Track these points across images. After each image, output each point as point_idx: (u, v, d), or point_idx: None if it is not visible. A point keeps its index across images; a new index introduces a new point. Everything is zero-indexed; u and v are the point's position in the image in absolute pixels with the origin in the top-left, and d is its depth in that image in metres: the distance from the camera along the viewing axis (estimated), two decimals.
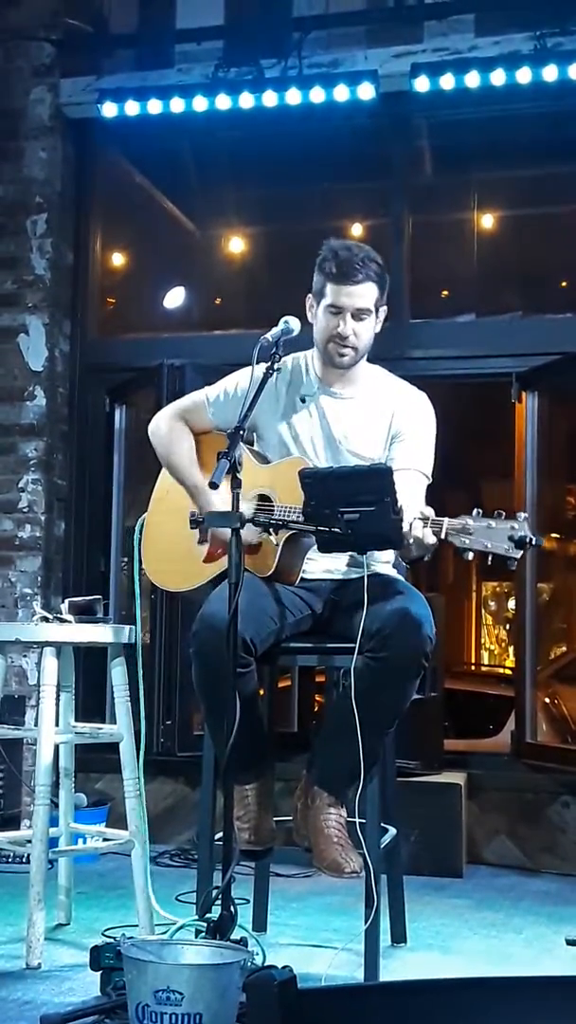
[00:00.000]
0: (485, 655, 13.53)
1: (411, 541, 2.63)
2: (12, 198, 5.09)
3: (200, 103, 4.87)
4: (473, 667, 11.45)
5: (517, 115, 4.81)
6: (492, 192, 5.43)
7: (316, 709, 5.12)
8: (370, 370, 3.15)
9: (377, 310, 3.05)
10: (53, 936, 3.21)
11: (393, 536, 2.65)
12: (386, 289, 3.07)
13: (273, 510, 2.90)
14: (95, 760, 4.38)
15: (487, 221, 5.54)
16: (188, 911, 3.03)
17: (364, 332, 3.03)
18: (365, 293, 3.01)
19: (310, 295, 3.08)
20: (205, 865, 2.87)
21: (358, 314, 3.01)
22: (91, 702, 4.67)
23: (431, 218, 5.45)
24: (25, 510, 4.92)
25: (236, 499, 2.67)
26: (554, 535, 6.72)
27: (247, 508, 2.86)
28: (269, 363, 2.89)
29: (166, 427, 3.17)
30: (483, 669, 11.23)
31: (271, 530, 2.82)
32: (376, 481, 2.63)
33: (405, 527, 2.62)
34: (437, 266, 5.65)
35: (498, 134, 4.96)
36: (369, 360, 3.15)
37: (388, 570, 3.04)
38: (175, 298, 5.94)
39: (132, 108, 4.94)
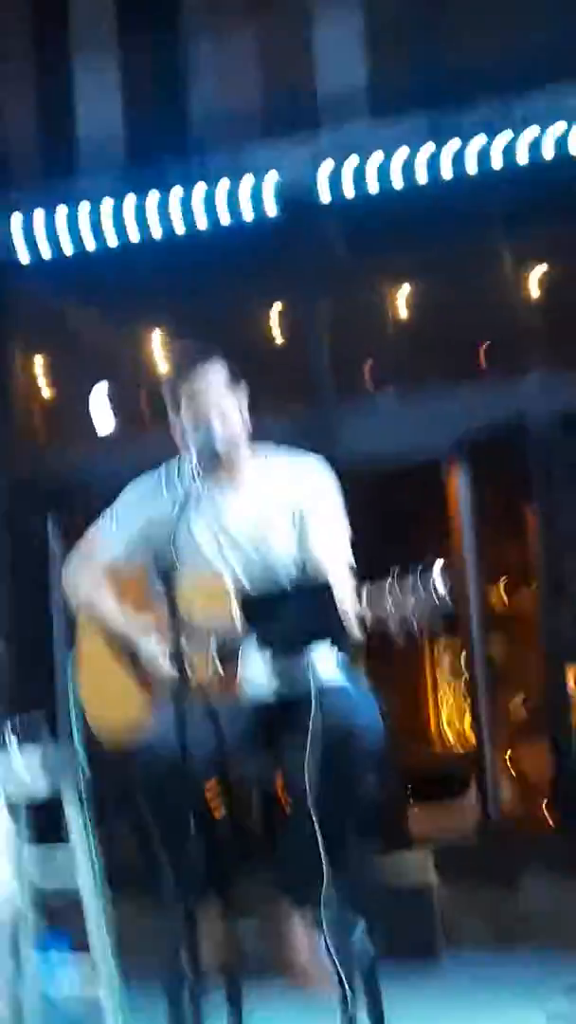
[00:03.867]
0: (443, 724, 13.32)
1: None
2: None
3: (111, 239, 4.96)
4: (430, 739, 11.31)
5: (427, 198, 4.88)
6: (407, 271, 5.46)
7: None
8: (255, 455, 3.03)
9: (234, 390, 2.95)
10: None
11: (338, 636, 2.64)
12: (236, 370, 2.97)
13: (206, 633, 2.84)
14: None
15: (403, 298, 5.58)
16: None
17: (231, 416, 2.93)
18: (213, 379, 2.92)
19: (172, 414, 2.96)
20: (175, 1004, 2.77)
21: (216, 401, 2.91)
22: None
23: (348, 300, 5.48)
24: None
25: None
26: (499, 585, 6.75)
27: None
28: (189, 483, 2.77)
29: (82, 586, 3.07)
30: (441, 743, 11.11)
31: (213, 655, 2.78)
32: (319, 600, 2.63)
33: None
34: (357, 347, 5.67)
35: (404, 219, 5.00)
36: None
37: (335, 673, 2.95)
38: (101, 403, 5.92)
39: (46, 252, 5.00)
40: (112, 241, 5.06)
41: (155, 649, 2.83)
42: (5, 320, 5.38)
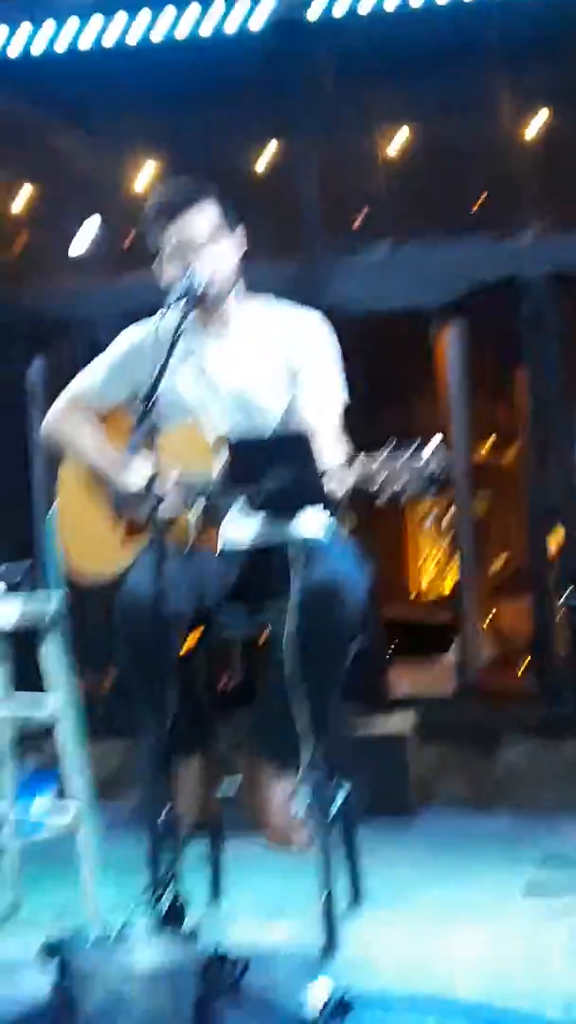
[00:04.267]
0: (424, 581, 13.48)
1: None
2: None
3: (86, 41, 4.63)
4: (412, 596, 11.41)
5: (413, 31, 4.56)
6: (397, 110, 5.20)
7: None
8: (249, 302, 2.94)
9: (229, 233, 2.83)
10: (3, 922, 3.11)
11: (319, 496, 2.55)
12: (231, 209, 2.85)
13: (184, 481, 2.74)
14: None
15: (396, 140, 5.31)
16: (142, 881, 2.95)
17: (222, 258, 2.81)
18: (202, 218, 2.80)
19: (156, 259, 2.87)
20: (153, 855, 2.78)
21: (204, 242, 2.78)
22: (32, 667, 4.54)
23: (337, 139, 5.22)
24: None
25: (153, 479, 2.54)
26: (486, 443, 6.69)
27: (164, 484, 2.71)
28: (177, 324, 2.68)
29: (62, 424, 3.02)
30: (422, 598, 11.20)
31: (187, 502, 2.69)
32: (296, 447, 2.52)
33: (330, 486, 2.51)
34: (347, 192, 5.44)
35: (399, 50, 4.70)
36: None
37: (316, 525, 2.91)
38: (85, 238, 5.68)
39: (14, 49, 4.68)
40: (86, 46, 4.73)
41: (136, 482, 2.71)
42: None
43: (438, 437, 2.45)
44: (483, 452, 6.87)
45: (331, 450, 2.62)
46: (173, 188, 2.87)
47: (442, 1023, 2.34)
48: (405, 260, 4.81)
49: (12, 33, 4.71)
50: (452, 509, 5.06)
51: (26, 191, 5.51)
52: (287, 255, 4.76)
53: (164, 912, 2.43)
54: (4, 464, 4.93)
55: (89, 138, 5.48)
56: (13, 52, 4.74)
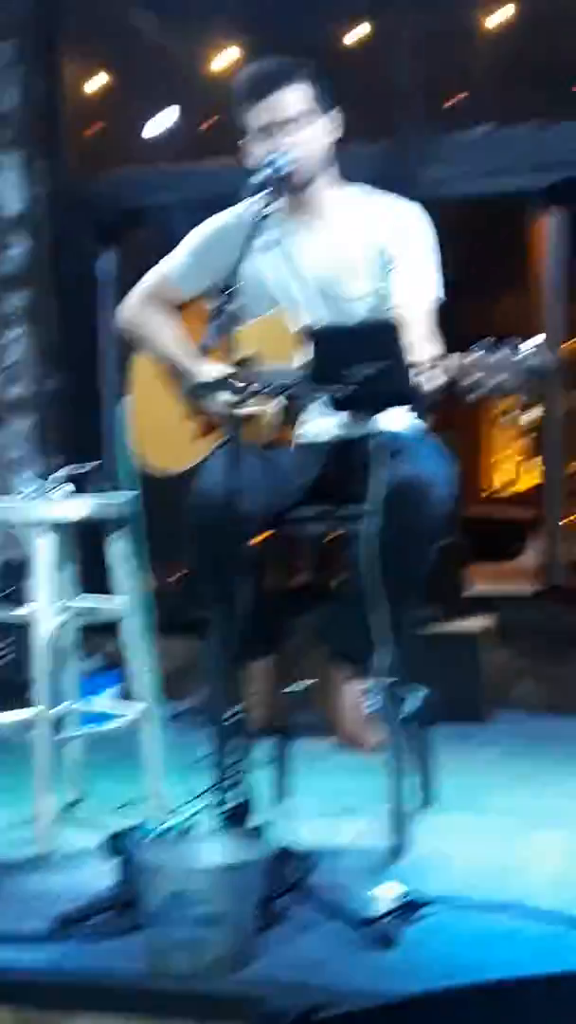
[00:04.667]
0: (499, 473, 13.34)
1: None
2: None
3: None
4: (486, 492, 11.25)
5: None
6: None
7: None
8: (343, 190, 2.81)
9: (324, 112, 2.71)
10: (66, 816, 3.11)
11: (409, 392, 2.41)
12: (325, 90, 2.72)
13: (265, 374, 2.64)
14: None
15: (501, 15, 5.03)
16: (207, 778, 2.92)
17: (310, 140, 2.69)
18: (291, 98, 2.67)
19: (242, 140, 2.76)
20: (219, 753, 2.73)
21: (293, 123, 2.66)
22: (99, 569, 4.52)
23: (438, 14, 4.96)
24: (13, 366, 4.65)
25: (235, 365, 2.43)
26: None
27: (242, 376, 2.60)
28: (261, 206, 2.57)
29: (137, 315, 2.92)
30: (499, 493, 11.04)
31: (267, 395, 2.58)
32: (381, 337, 2.38)
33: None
34: (447, 70, 5.18)
35: None
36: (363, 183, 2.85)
37: (402, 419, 2.79)
38: (162, 124, 5.51)
39: None
40: None
41: (212, 373, 2.61)
42: (57, 26, 4.90)
43: (541, 336, 2.31)
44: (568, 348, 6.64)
45: (421, 345, 2.48)
46: (265, 65, 2.72)
47: (514, 925, 2.27)
48: (504, 142, 4.57)
49: None
50: (532, 407, 4.89)
51: (101, 76, 5.35)
52: (379, 136, 4.55)
53: (229, 809, 2.39)
54: (75, 358, 4.85)
55: (167, 19, 5.29)
56: None
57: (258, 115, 2.69)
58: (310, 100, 2.70)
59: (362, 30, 5.14)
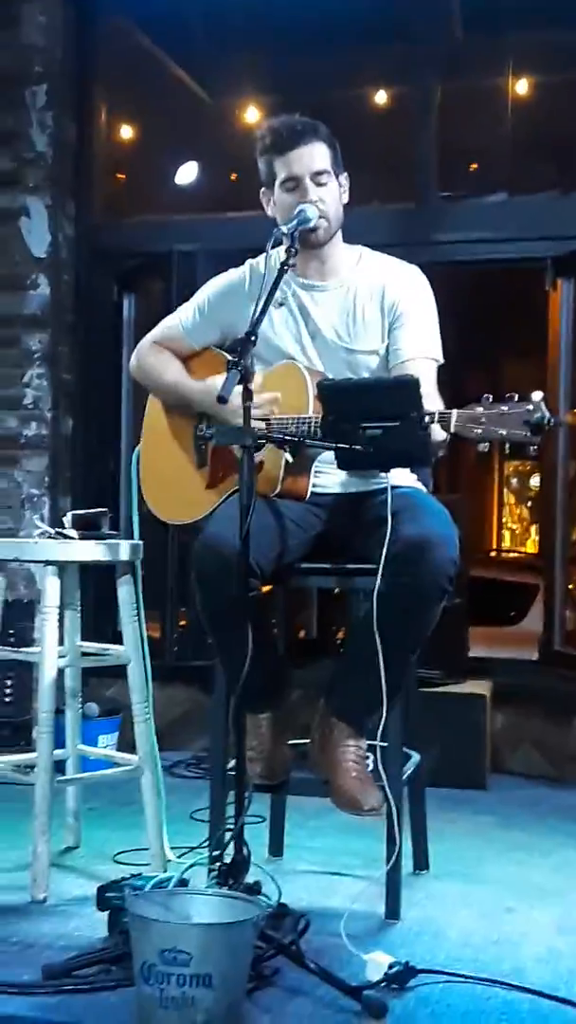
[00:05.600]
0: (506, 535, 13.37)
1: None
2: (9, 68, 4.72)
3: None
4: (494, 553, 11.28)
5: None
6: (528, 56, 5.01)
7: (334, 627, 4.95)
8: (349, 251, 2.87)
9: (336, 175, 2.78)
10: (61, 862, 3.08)
11: (419, 453, 2.43)
12: (339, 153, 2.80)
13: (280, 424, 2.66)
14: (107, 667, 4.23)
15: (522, 88, 5.13)
16: (202, 830, 2.90)
17: (330, 198, 2.76)
18: (316, 153, 2.74)
19: (263, 188, 2.82)
20: (217, 806, 2.72)
21: (317, 178, 2.74)
22: (102, 616, 4.52)
23: (461, 85, 5.06)
24: (30, 406, 4.68)
25: (247, 413, 2.44)
26: None
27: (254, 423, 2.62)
28: (284, 259, 2.64)
29: (147, 358, 2.95)
30: (504, 556, 11.06)
31: (285, 447, 2.59)
32: (401, 394, 2.39)
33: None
34: (467, 139, 5.27)
35: None
36: (382, 245, 2.91)
37: (407, 479, 2.81)
38: (187, 174, 5.58)
39: None
40: None
41: (228, 417, 2.63)
42: (98, 82, 4.99)
43: (539, 393, 2.34)
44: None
45: (427, 403, 2.50)
46: (288, 122, 2.78)
47: (506, 999, 2.24)
48: (517, 211, 4.63)
49: None
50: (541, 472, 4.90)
51: (130, 125, 5.43)
52: (398, 199, 4.61)
53: (225, 865, 2.37)
54: (91, 402, 4.88)
55: (197, 73, 5.38)
56: None
57: (285, 166, 2.75)
58: (327, 160, 2.78)
59: (385, 96, 5.23)
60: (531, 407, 2.32)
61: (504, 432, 2.33)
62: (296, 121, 2.78)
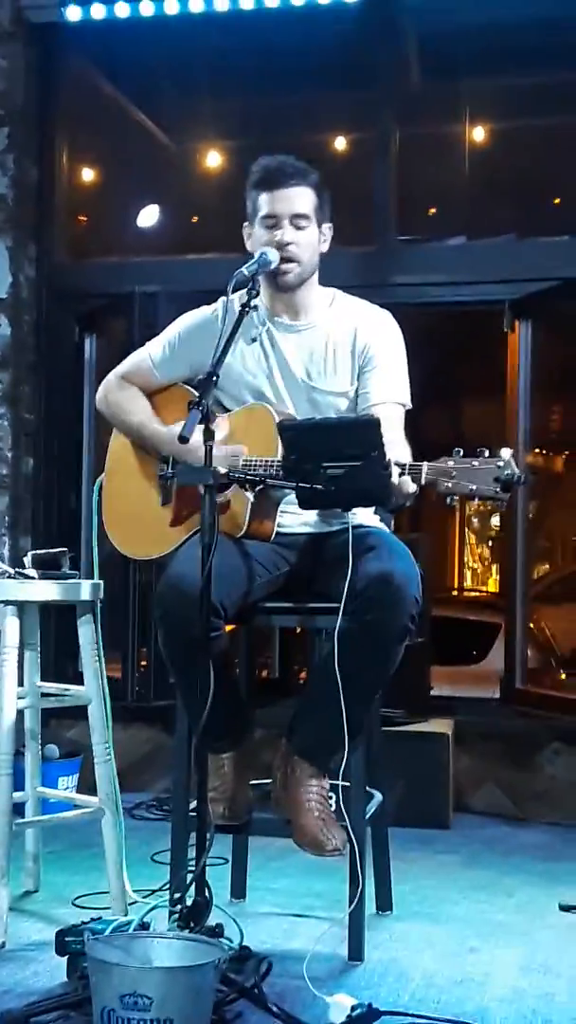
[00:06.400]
0: (468, 574, 13.45)
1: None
2: None
3: (171, 5, 4.55)
4: (456, 592, 11.33)
5: (513, 19, 4.50)
6: (485, 103, 5.11)
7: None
8: (322, 293, 2.89)
9: (319, 223, 2.81)
10: (19, 907, 3.04)
11: (380, 493, 2.44)
12: (326, 203, 2.83)
13: (245, 465, 2.67)
14: (67, 708, 4.19)
15: (479, 134, 5.23)
16: (164, 872, 2.87)
17: (306, 242, 2.78)
18: (299, 197, 2.77)
19: (246, 223, 2.84)
20: (178, 848, 2.70)
21: (295, 220, 2.76)
22: (63, 657, 4.49)
23: (419, 131, 5.14)
24: None
25: (209, 452, 2.45)
26: (538, 451, 6.58)
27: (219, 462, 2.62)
28: (246, 300, 2.66)
29: (114, 394, 2.94)
30: (466, 595, 11.11)
31: (246, 486, 2.59)
32: (363, 434, 2.40)
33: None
34: (425, 183, 5.34)
35: (492, 40, 4.63)
36: (342, 286, 2.93)
37: (370, 519, 2.83)
38: (148, 217, 5.62)
39: (98, 11, 4.63)
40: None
41: (190, 458, 2.63)
42: (59, 125, 5.02)
43: (509, 451, 2.37)
44: (538, 457, 6.77)
45: (393, 448, 2.52)
46: (281, 161, 2.80)
47: None
48: (475, 254, 4.70)
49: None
50: (500, 514, 4.94)
51: (91, 167, 5.46)
52: (357, 243, 4.67)
53: (186, 907, 2.35)
54: (52, 442, 4.87)
55: (160, 117, 5.43)
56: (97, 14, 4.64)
57: (268, 203, 2.77)
58: (315, 205, 2.80)
59: (344, 141, 5.30)
60: (501, 463, 2.34)
61: (474, 487, 2.35)
62: (289, 163, 2.81)
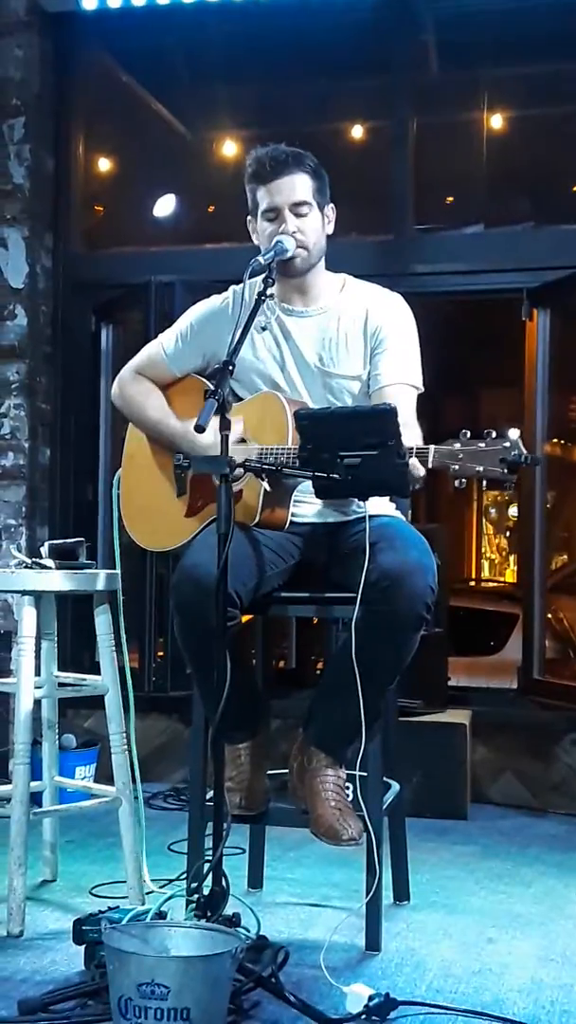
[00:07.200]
0: (485, 565, 13.40)
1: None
2: None
3: None
4: (473, 583, 11.29)
5: (530, 6, 4.47)
6: (502, 90, 5.08)
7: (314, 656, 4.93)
8: (332, 278, 2.88)
9: (321, 207, 2.79)
10: (37, 896, 3.05)
11: (397, 482, 2.42)
12: (325, 184, 2.81)
13: (259, 453, 2.66)
14: (84, 698, 4.20)
15: (496, 122, 5.19)
16: (180, 862, 2.87)
17: (310, 228, 2.77)
18: (297, 184, 2.75)
19: (248, 216, 2.84)
20: (195, 838, 2.70)
21: (296, 208, 2.75)
22: (80, 647, 4.49)
23: (436, 119, 5.11)
24: (7, 437, 4.67)
25: (225, 441, 2.44)
26: (556, 440, 6.55)
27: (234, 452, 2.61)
28: (261, 288, 2.65)
29: (129, 388, 2.94)
30: (483, 586, 11.07)
31: (262, 475, 2.59)
32: (379, 422, 2.39)
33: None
34: (443, 172, 5.32)
35: (510, 27, 4.60)
36: (360, 276, 2.92)
37: (386, 507, 2.81)
38: (165, 207, 5.61)
39: (114, 0, 4.60)
40: None
41: (205, 448, 2.63)
42: (76, 115, 5.01)
43: (516, 431, 2.36)
44: (556, 447, 6.74)
45: (404, 432, 2.50)
46: (273, 151, 2.79)
47: None
48: (492, 243, 4.67)
49: None
50: (518, 504, 4.92)
51: (108, 157, 5.46)
52: (376, 231, 4.65)
53: (203, 897, 2.35)
54: (70, 431, 4.87)
55: (176, 106, 5.42)
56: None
57: (267, 195, 2.76)
58: (314, 189, 2.79)
59: (362, 130, 5.28)
60: (508, 444, 2.33)
61: (481, 469, 2.34)
62: (281, 151, 2.79)
